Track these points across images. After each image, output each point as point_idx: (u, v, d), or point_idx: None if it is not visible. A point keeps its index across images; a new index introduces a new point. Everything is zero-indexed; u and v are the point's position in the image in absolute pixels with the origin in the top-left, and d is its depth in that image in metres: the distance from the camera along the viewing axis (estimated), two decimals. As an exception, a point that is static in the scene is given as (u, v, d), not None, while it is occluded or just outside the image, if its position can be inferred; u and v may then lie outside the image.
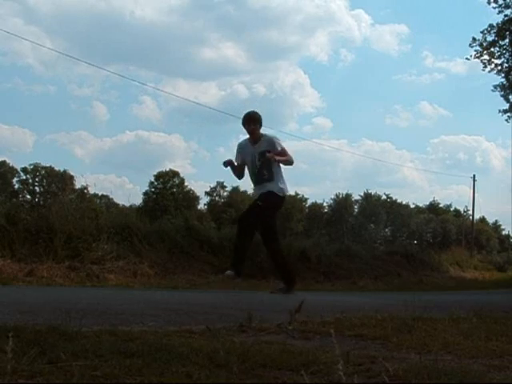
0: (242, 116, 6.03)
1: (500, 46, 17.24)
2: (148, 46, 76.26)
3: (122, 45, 75.73)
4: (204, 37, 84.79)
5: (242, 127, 5.96)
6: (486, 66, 17.47)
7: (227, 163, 5.90)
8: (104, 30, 77.38)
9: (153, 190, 55.54)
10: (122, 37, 77.36)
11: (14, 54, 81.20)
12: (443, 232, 56.01)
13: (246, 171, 6.11)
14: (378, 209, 59.32)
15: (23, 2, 74.55)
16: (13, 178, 55.85)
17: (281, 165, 5.90)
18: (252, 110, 6.04)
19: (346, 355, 1.75)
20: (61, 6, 77.12)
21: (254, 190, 6.13)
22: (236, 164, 5.97)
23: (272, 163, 5.79)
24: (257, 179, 5.90)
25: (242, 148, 6.00)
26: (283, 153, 5.88)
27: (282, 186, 5.88)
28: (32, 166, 54.81)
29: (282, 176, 5.92)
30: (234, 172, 6.05)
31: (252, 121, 5.91)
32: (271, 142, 5.88)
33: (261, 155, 5.78)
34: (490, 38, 17.16)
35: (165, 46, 78.47)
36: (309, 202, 61.48)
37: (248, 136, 5.98)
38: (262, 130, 6.07)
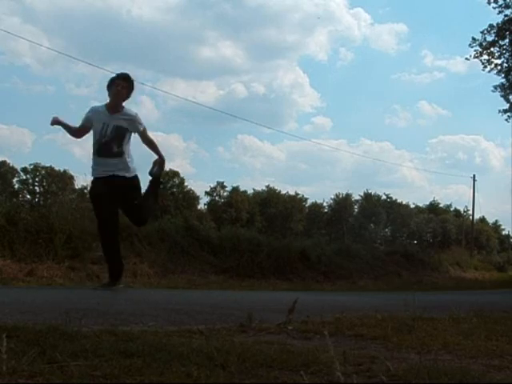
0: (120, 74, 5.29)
1: (500, 46, 17.28)
2: (146, 44, 76.23)
3: (120, 44, 75.83)
4: (202, 36, 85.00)
5: (109, 87, 5.26)
6: (485, 67, 17.51)
7: (54, 122, 5.24)
8: (101, 28, 77.41)
9: (153, 189, 55.50)
10: (120, 36, 77.50)
11: (11, 53, 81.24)
12: (443, 232, 56.04)
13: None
14: (378, 209, 59.34)
15: (21, 1, 74.49)
16: (13, 178, 55.88)
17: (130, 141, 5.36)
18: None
19: (343, 354, 1.75)
20: (58, 4, 77.41)
21: (94, 160, 5.29)
22: (66, 124, 5.31)
23: (125, 139, 5.24)
24: (102, 150, 5.23)
25: (95, 113, 5.32)
26: (153, 142, 5.47)
27: (131, 164, 5.31)
28: (32, 166, 54.86)
29: (130, 153, 5.35)
30: (69, 132, 5.40)
31: (126, 81, 5.23)
32: (133, 120, 5.28)
33: (117, 129, 5.21)
34: (489, 38, 17.21)
35: (162, 45, 78.51)
36: (309, 202, 61.60)
37: (106, 102, 5.36)
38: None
